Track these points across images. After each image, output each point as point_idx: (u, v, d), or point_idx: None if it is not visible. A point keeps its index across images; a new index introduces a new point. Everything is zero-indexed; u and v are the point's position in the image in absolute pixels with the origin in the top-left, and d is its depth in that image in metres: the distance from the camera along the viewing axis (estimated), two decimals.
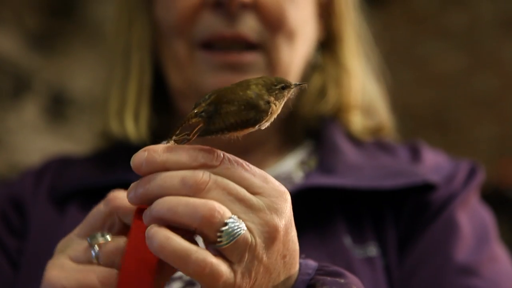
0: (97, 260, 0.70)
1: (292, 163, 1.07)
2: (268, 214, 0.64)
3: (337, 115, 1.09)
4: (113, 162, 1.03)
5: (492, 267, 0.95)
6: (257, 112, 0.66)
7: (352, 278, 0.72)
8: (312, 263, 0.72)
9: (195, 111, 0.66)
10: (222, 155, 0.65)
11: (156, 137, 1.02)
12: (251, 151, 1.07)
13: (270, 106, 0.67)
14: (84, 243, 0.72)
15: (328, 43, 1.11)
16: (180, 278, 0.92)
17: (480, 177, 1.04)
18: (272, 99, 0.67)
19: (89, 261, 0.70)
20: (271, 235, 0.64)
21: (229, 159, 0.65)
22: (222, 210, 0.62)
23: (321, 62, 1.10)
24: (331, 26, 1.10)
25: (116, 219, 0.73)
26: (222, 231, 0.62)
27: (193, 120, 0.67)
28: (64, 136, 3.22)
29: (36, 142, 3.12)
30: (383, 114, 1.13)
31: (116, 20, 1.11)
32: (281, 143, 1.11)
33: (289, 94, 0.69)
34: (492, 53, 4.29)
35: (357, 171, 0.99)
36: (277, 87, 0.68)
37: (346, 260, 0.93)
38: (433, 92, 4.43)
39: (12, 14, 3.22)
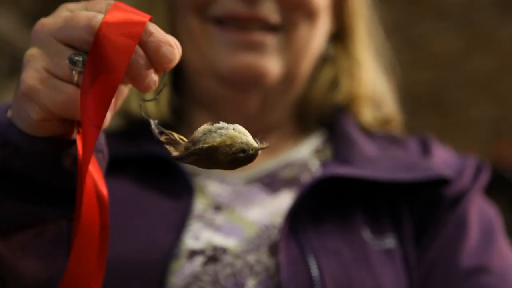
0: (76, 84, 0.63)
1: (307, 151, 1.08)
2: None
3: (349, 106, 1.10)
4: (134, 138, 1.02)
5: (500, 262, 0.97)
6: None
7: None
8: None
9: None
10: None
11: (175, 115, 1.04)
12: (265, 135, 1.08)
13: None
14: (62, 54, 0.64)
15: (340, 36, 1.12)
16: (202, 252, 0.92)
17: (486, 175, 1.05)
18: None
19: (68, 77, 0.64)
20: None
21: None
22: None
23: (333, 54, 1.11)
24: (344, 20, 1.11)
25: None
26: None
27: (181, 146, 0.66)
28: None
29: None
30: (392, 107, 1.14)
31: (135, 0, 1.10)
32: (294, 129, 1.12)
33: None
34: (490, 33, 4.29)
35: (373, 162, 1.00)
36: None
37: (366, 252, 0.94)
38: (430, 73, 4.43)
39: None
